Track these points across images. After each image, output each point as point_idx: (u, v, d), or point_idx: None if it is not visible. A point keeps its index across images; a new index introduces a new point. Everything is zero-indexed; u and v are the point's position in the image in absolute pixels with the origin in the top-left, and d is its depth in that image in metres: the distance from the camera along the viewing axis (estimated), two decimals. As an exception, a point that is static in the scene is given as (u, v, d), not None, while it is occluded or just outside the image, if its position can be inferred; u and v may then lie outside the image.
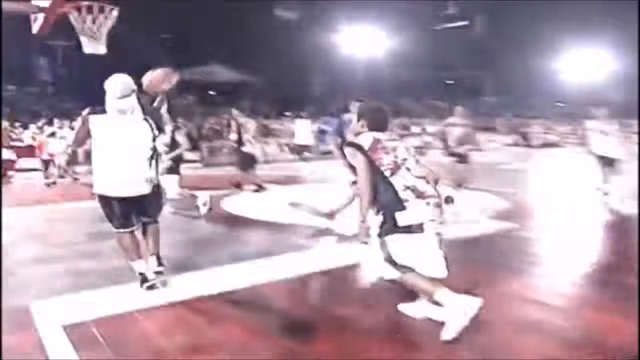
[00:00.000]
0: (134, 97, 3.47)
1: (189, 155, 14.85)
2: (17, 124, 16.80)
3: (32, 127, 15.81)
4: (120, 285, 3.68)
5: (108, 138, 3.46)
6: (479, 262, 4.33)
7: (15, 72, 26.87)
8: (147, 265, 3.64)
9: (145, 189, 3.54)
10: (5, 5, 5.29)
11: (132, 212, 3.60)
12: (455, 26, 35.68)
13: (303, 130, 12.76)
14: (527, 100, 33.32)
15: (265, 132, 18.20)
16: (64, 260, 4.48)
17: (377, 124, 3.05)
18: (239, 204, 7.45)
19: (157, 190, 3.70)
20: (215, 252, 4.78)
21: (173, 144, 6.53)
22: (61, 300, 3.44)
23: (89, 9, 4.78)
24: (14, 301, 3.43)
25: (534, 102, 33.02)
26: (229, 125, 13.08)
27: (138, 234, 3.70)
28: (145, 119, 3.52)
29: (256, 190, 8.78)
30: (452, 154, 7.53)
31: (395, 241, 2.82)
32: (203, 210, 6.40)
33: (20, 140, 14.45)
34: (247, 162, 8.95)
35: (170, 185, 6.35)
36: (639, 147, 11.07)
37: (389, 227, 2.81)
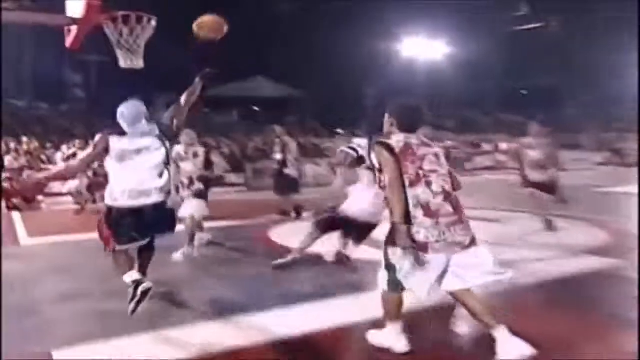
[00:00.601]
0: (144, 123, 3.98)
1: (232, 178, 15.15)
2: (48, 145, 17.46)
3: (65, 148, 16.39)
4: (154, 331, 3.58)
5: (120, 154, 3.92)
6: (578, 309, 3.96)
7: (48, 89, 28.34)
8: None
9: (156, 198, 3.91)
10: (37, 17, 5.48)
11: (137, 226, 3.91)
12: (529, 28, 34.92)
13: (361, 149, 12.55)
14: (618, 111, 31.92)
15: (316, 152, 18.20)
16: (91, 298, 4.46)
17: (408, 124, 3.16)
18: (288, 233, 7.31)
19: (167, 205, 4.01)
20: (262, 292, 4.64)
21: (207, 165, 6.46)
22: (88, 349, 3.37)
23: (125, 20, 4.85)
24: (34, 347, 3.39)
25: (627, 113, 31.58)
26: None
27: (133, 252, 4.06)
28: (158, 135, 4.02)
29: (297, 217, 8.66)
30: (533, 184, 7.13)
31: (394, 255, 2.99)
32: (191, 249, 6.13)
33: (52, 162, 15.01)
34: (288, 185, 8.86)
35: (196, 210, 6.28)
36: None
37: (394, 239, 2.97)
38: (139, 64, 5.81)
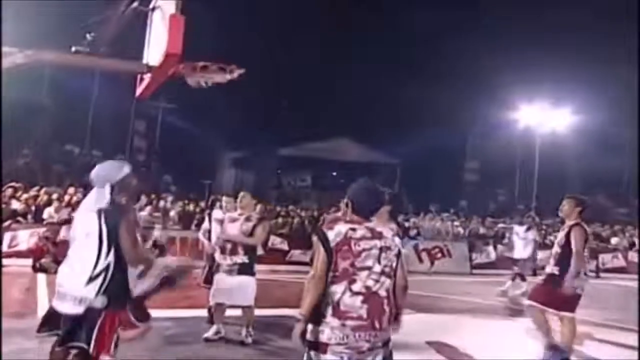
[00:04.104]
0: (103, 192, 3.79)
1: (296, 255, 15.13)
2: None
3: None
4: None
5: (71, 235, 3.90)
6: None
7: (105, 135, 30.16)
8: None
9: (69, 307, 3.70)
10: (111, 63, 6.00)
11: (61, 326, 3.75)
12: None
13: (519, 238, 12.32)
14: None
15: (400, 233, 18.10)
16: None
17: (363, 208, 3.44)
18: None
19: (91, 315, 3.70)
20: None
21: (251, 235, 6.66)
22: None
23: (204, 69, 5.22)
24: None
25: None
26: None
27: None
28: (101, 229, 3.70)
29: None
30: None
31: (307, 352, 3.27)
32: (247, 337, 6.58)
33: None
34: None
35: (244, 292, 6.47)
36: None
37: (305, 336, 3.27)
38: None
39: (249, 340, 6.54)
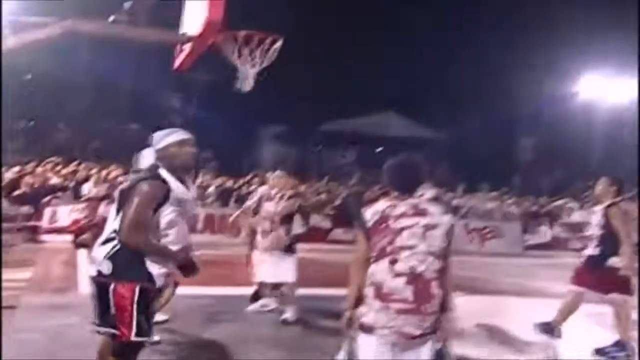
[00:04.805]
0: (149, 156, 3.69)
1: (338, 234, 15.20)
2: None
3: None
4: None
5: None
6: None
7: (142, 108, 30.48)
8: None
9: (90, 270, 3.58)
10: (148, 33, 6.08)
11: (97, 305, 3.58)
12: None
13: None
14: None
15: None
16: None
17: (401, 185, 3.36)
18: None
19: (101, 283, 3.51)
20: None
21: (290, 214, 6.91)
22: None
23: (247, 39, 5.23)
24: None
25: None
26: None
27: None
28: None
29: None
30: None
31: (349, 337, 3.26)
32: (290, 315, 6.67)
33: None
34: None
35: (286, 269, 6.71)
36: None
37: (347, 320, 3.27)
38: (247, 85, 6.22)
39: (293, 318, 6.64)
